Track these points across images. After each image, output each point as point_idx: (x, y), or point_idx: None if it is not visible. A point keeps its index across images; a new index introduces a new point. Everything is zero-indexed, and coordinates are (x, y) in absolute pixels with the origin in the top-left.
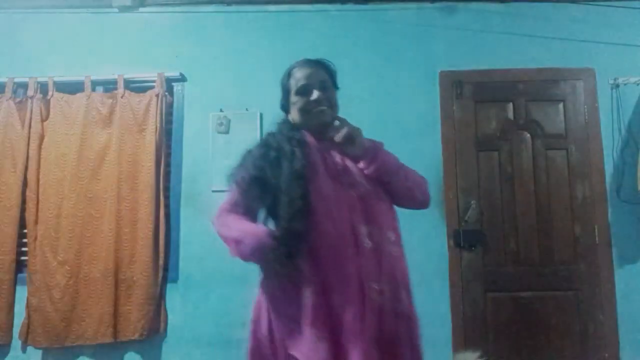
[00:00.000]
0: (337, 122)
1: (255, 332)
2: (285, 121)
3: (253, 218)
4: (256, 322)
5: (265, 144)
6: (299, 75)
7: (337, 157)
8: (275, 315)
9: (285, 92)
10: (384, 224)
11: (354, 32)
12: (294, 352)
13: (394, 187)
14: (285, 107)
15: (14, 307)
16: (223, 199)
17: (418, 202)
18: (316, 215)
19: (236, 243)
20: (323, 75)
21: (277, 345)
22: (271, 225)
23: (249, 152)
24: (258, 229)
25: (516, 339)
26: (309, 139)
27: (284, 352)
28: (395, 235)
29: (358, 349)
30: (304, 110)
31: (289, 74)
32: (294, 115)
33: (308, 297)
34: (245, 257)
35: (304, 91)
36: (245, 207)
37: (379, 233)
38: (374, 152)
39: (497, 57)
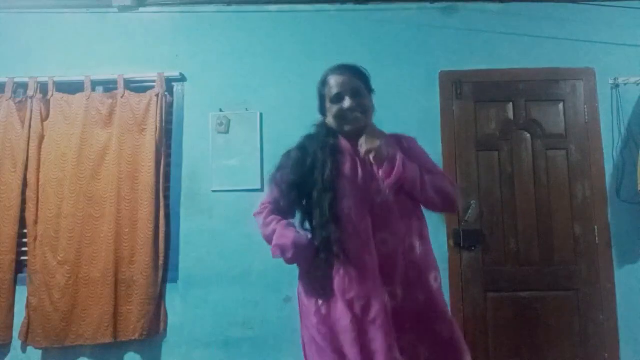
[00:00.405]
0: (364, 137)
1: (303, 321)
2: (322, 125)
3: (292, 216)
4: (302, 314)
5: (303, 148)
6: (333, 83)
7: (367, 165)
8: (309, 300)
9: (322, 98)
10: (402, 231)
11: (354, 32)
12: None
13: (416, 195)
14: (323, 111)
15: (14, 307)
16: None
17: (440, 209)
18: (341, 221)
19: (281, 250)
20: (356, 82)
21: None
22: (307, 225)
23: (288, 153)
24: (301, 239)
25: (516, 339)
26: (344, 143)
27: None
28: (420, 241)
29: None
30: (338, 117)
31: (323, 81)
32: (330, 121)
33: (335, 292)
34: (289, 262)
35: (337, 99)
36: (285, 207)
37: (395, 240)
38: (392, 163)
39: (497, 57)
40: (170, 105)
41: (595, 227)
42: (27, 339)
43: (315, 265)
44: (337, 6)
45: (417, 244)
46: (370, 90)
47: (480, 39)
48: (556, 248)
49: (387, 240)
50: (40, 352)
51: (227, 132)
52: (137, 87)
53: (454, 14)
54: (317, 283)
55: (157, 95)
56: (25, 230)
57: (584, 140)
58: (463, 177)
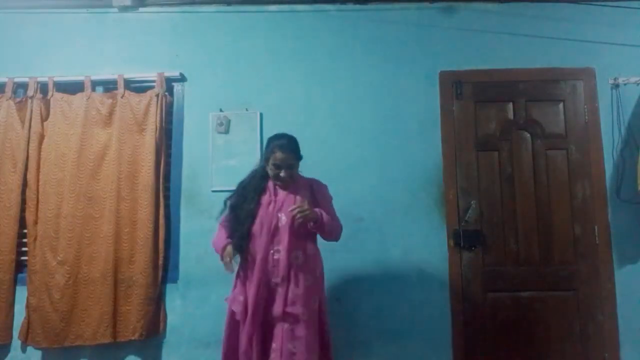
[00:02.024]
0: (299, 207)
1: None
2: (262, 169)
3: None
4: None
5: (244, 187)
6: (277, 156)
7: (280, 200)
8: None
9: (267, 157)
10: (288, 246)
11: (354, 32)
12: (233, 304)
13: (319, 232)
14: (266, 161)
15: (14, 307)
16: (223, 199)
17: (330, 240)
18: (253, 232)
19: (215, 246)
20: (292, 159)
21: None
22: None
23: (238, 186)
24: (226, 240)
25: (516, 339)
26: (270, 185)
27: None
28: (301, 251)
29: (252, 307)
30: (275, 177)
31: (272, 150)
32: (269, 171)
33: (240, 272)
34: (217, 252)
35: (277, 167)
36: (227, 224)
37: (281, 249)
38: (318, 222)
39: (497, 57)
40: (170, 105)
41: (595, 227)
42: (27, 339)
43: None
44: (337, 6)
45: (300, 255)
46: (299, 159)
47: (480, 39)
48: (556, 248)
49: (277, 249)
50: (40, 352)
51: (227, 132)
52: (137, 87)
53: (454, 14)
54: (240, 272)
55: (157, 95)
56: (25, 230)
57: (584, 140)
58: (463, 177)
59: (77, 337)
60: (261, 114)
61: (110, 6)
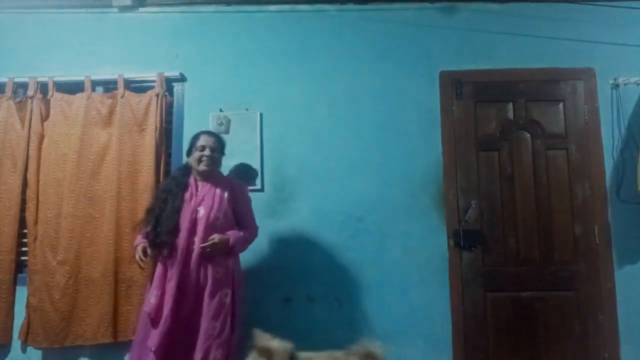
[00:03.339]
0: (211, 238)
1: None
2: (184, 166)
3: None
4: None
5: (165, 186)
6: (202, 138)
7: (201, 195)
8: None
9: (191, 145)
10: (203, 237)
11: (354, 32)
12: (143, 306)
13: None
14: (188, 153)
15: (14, 307)
16: None
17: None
18: (177, 231)
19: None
20: (216, 143)
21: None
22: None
23: (156, 191)
24: (141, 240)
25: (516, 339)
26: (191, 180)
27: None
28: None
29: (167, 308)
30: (197, 160)
31: (197, 136)
32: (192, 161)
33: (159, 272)
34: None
35: (201, 148)
36: (146, 226)
37: (196, 241)
38: (230, 249)
39: (497, 57)
40: (170, 105)
41: (595, 227)
42: (27, 339)
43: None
44: (337, 6)
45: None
46: (222, 150)
47: (480, 39)
48: (556, 248)
49: (193, 241)
50: (40, 352)
51: (227, 132)
52: (137, 87)
53: (454, 14)
54: (159, 264)
55: (157, 95)
56: (25, 230)
57: (584, 140)
58: (463, 177)
59: (78, 337)
60: (261, 114)
61: (110, 6)
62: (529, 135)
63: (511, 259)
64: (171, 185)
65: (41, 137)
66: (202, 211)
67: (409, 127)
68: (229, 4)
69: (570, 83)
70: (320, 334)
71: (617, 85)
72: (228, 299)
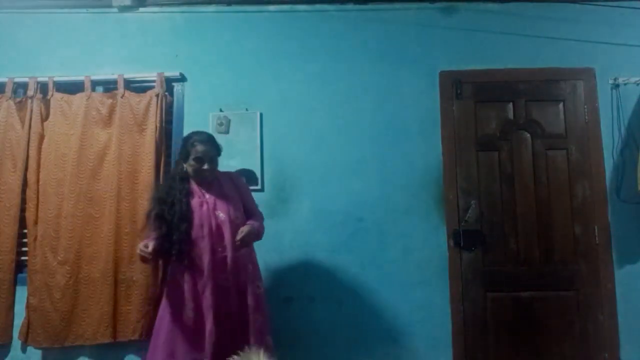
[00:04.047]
0: (241, 230)
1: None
2: (181, 170)
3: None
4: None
5: (167, 191)
6: (198, 149)
7: (211, 200)
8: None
9: (185, 152)
10: (231, 240)
11: (354, 32)
12: (175, 319)
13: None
14: (184, 158)
15: (14, 307)
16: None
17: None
18: (191, 240)
19: (139, 258)
20: (213, 151)
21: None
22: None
23: (158, 192)
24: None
25: (516, 339)
26: (193, 186)
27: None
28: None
29: (209, 318)
30: (196, 172)
31: (192, 142)
32: (189, 169)
33: (185, 278)
34: (143, 263)
35: (199, 161)
36: (157, 234)
37: (227, 246)
38: (257, 236)
39: (497, 57)
40: (170, 105)
41: (595, 227)
42: (27, 339)
43: (173, 268)
44: (337, 6)
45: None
46: (219, 152)
47: (480, 39)
48: (556, 248)
49: (224, 247)
50: (40, 352)
51: (227, 132)
52: (137, 87)
53: (454, 14)
54: (178, 277)
55: (157, 95)
56: (25, 230)
57: (584, 140)
58: (463, 177)
59: (78, 337)
60: (261, 114)
61: (110, 6)
62: (529, 135)
63: (511, 259)
64: (173, 190)
65: (41, 137)
66: (222, 215)
67: (409, 127)
68: (229, 4)
69: (570, 83)
70: (321, 334)
71: (617, 85)
72: (262, 290)
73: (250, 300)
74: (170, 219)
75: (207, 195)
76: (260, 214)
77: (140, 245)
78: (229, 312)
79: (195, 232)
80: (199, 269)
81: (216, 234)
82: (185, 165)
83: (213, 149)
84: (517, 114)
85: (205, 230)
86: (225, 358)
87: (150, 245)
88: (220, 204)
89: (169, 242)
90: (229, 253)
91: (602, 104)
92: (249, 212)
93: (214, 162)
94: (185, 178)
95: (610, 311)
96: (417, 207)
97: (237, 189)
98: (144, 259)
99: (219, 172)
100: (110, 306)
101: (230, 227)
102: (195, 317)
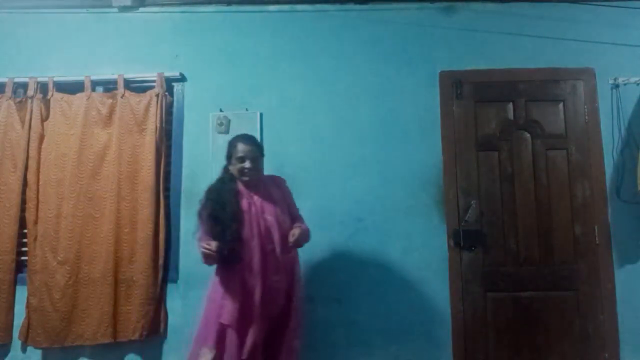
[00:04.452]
0: (292, 233)
1: (209, 302)
2: (227, 172)
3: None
4: (212, 296)
5: (217, 191)
6: (240, 148)
7: (259, 202)
8: (221, 290)
9: (229, 154)
10: (281, 243)
11: (354, 32)
12: (220, 319)
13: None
14: (229, 161)
15: (14, 307)
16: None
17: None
18: (242, 240)
19: (204, 256)
20: (255, 151)
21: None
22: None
23: (208, 193)
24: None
25: (516, 339)
26: (242, 188)
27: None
28: (287, 248)
29: (256, 316)
30: (240, 172)
31: (234, 145)
32: (233, 170)
33: (234, 283)
34: (206, 264)
35: (241, 159)
36: (208, 233)
37: (277, 248)
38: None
39: (497, 57)
40: (170, 105)
41: (595, 227)
42: (27, 339)
43: (225, 265)
44: (337, 6)
45: (288, 247)
46: (262, 153)
47: (480, 39)
48: (556, 248)
49: (273, 248)
50: (40, 352)
51: (227, 132)
52: (137, 87)
53: (454, 14)
54: (229, 275)
55: (157, 95)
56: (25, 230)
57: (584, 140)
58: (463, 177)
59: (78, 337)
60: (261, 114)
61: (110, 6)
62: (529, 135)
63: (511, 259)
64: (223, 191)
65: (41, 137)
66: (269, 218)
67: (409, 127)
68: (229, 4)
69: (570, 83)
70: (321, 334)
71: (617, 85)
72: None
73: (294, 301)
74: (223, 218)
75: (255, 197)
76: (302, 218)
77: (203, 244)
78: (276, 313)
79: (245, 233)
80: (250, 269)
81: (265, 235)
82: (230, 167)
83: (255, 148)
84: (517, 114)
85: (255, 231)
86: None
87: (213, 244)
88: (268, 207)
89: (222, 241)
90: (279, 256)
91: (602, 104)
92: (292, 216)
93: (256, 162)
94: (232, 180)
95: (610, 311)
96: (417, 207)
97: (281, 193)
98: (208, 257)
99: (264, 175)
100: (110, 306)
101: (278, 229)
102: (242, 316)
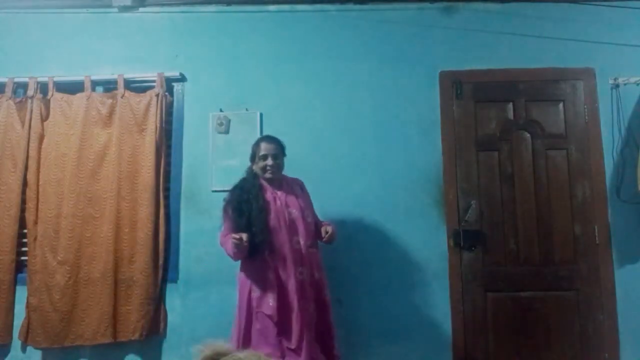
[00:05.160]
0: (326, 230)
1: (241, 298)
2: (251, 170)
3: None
4: (241, 291)
5: (241, 187)
6: (262, 147)
7: (282, 196)
8: (251, 283)
9: (253, 154)
10: (306, 236)
11: (354, 32)
12: (260, 310)
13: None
14: (253, 161)
15: (14, 307)
16: (223, 198)
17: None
18: (270, 229)
19: (232, 253)
20: (277, 149)
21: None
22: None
23: (233, 190)
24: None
25: (516, 339)
26: (265, 185)
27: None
28: (312, 241)
29: (295, 304)
30: (263, 169)
31: (257, 144)
32: (257, 169)
33: (266, 274)
34: (236, 258)
35: (264, 157)
36: (233, 229)
37: (301, 240)
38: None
39: (497, 57)
40: (170, 105)
41: (595, 227)
42: (27, 339)
43: (254, 256)
44: (337, 6)
45: (312, 242)
46: (284, 152)
47: (480, 39)
48: (556, 248)
49: (297, 240)
50: (40, 352)
51: (227, 132)
52: (137, 87)
53: (454, 14)
54: (257, 268)
55: (157, 95)
56: (25, 230)
57: (584, 140)
58: (463, 177)
59: (77, 337)
60: (261, 114)
61: (110, 6)
62: (529, 135)
63: (511, 259)
64: (246, 187)
65: (41, 137)
66: (295, 212)
67: (409, 127)
68: (229, 4)
69: (570, 83)
70: None
71: (617, 85)
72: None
73: (325, 295)
74: (249, 211)
75: (279, 193)
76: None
77: (234, 235)
78: (309, 303)
79: (273, 224)
80: (282, 259)
81: (291, 227)
82: (254, 167)
83: (277, 147)
84: (517, 114)
85: (282, 222)
86: (310, 346)
87: (245, 236)
88: (292, 201)
89: (250, 233)
90: (303, 248)
91: (602, 104)
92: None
93: (278, 159)
94: (256, 177)
95: (610, 311)
96: (417, 207)
97: (303, 193)
98: (238, 249)
99: (286, 176)
100: (110, 306)
101: (304, 224)
102: (280, 306)
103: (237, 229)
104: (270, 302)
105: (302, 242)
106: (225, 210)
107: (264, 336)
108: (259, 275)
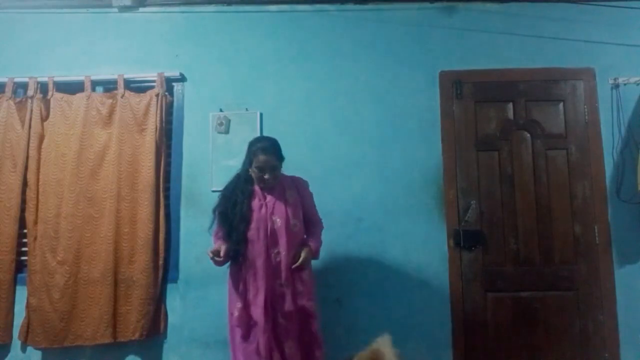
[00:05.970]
0: (299, 255)
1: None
2: (246, 172)
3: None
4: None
5: (232, 190)
6: (260, 159)
7: (270, 202)
8: (231, 289)
9: (249, 160)
10: (287, 247)
11: (354, 32)
12: (233, 312)
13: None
14: (249, 165)
15: (14, 307)
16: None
17: None
18: (246, 240)
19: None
20: (274, 161)
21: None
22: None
23: (224, 190)
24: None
25: (516, 339)
26: (257, 189)
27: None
28: (294, 252)
29: (261, 317)
30: (258, 179)
31: (254, 153)
32: (253, 175)
33: (237, 283)
34: (217, 265)
35: (260, 169)
36: (221, 231)
37: (282, 252)
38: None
39: (497, 57)
40: (170, 105)
41: (595, 227)
42: (26, 339)
43: (231, 263)
44: (337, 6)
45: (296, 251)
46: (281, 160)
47: (480, 39)
48: (556, 248)
49: (278, 252)
50: (40, 352)
51: (227, 132)
52: (137, 87)
53: (454, 14)
54: (232, 276)
55: (157, 95)
56: (25, 230)
57: (584, 140)
58: (463, 177)
59: (77, 337)
60: (261, 114)
61: (110, 6)
62: (529, 135)
63: (511, 259)
64: (237, 190)
65: (41, 137)
66: (279, 221)
67: (409, 127)
68: (229, 4)
69: (570, 83)
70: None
71: (617, 85)
72: (314, 299)
73: (307, 309)
74: (232, 218)
75: (268, 198)
76: (320, 222)
77: (210, 252)
78: (285, 316)
79: (251, 234)
80: (253, 271)
81: (271, 239)
82: (250, 170)
83: (274, 158)
84: (517, 114)
85: (262, 233)
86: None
87: (223, 249)
88: (279, 209)
89: (229, 242)
90: (282, 260)
91: (602, 104)
92: (309, 219)
93: (275, 171)
94: (249, 179)
95: (610, 311)
96: (417, 207)
97: (299, 195)
98: (216, 263)
99: (284, 175)
100: (110, 306)
101: (287, 235)
102: (246, 317)
103: (220, 233)
104: (235, 312)
105: (282, 253)
106: (213, 211)
107: (234, 340)
108: (233, 283)
